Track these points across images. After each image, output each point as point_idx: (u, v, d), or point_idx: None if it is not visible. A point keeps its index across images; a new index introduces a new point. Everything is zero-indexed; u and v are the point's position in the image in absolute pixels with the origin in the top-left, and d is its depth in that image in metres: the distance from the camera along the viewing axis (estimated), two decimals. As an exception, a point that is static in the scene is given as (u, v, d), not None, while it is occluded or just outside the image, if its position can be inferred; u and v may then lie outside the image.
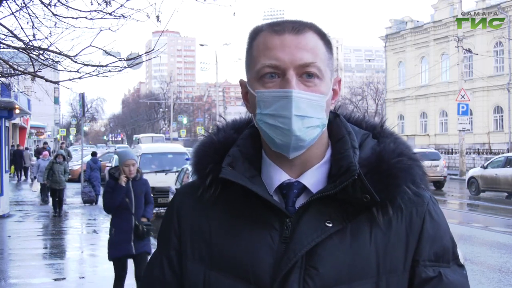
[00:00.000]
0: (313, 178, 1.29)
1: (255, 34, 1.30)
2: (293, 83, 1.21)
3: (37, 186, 19.70)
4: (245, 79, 1.34)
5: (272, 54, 1.23)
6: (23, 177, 29.37)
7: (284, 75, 1.22)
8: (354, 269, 1.22)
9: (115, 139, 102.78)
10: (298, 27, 1.25)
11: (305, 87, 1.22)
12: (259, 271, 1.23)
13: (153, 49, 7.24)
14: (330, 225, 1.23)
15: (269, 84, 1.24)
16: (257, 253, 1.24)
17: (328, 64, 1.27)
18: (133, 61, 7.51)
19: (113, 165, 24.46)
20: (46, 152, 20.31)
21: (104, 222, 14.42)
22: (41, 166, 18.12)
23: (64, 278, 8.79)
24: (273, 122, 1.23)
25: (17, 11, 7.16)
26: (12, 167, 26.59)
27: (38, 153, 25.06)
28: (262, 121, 1.25)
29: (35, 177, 18.49)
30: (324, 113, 1.26)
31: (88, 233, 13.31)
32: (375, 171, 1.24)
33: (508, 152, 30.87)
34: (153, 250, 3.87)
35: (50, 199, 16.80)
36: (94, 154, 20.28)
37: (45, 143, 28.17)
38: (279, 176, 1.29)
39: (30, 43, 7.21)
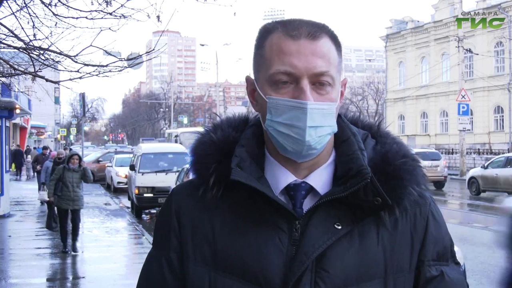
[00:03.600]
0: (320, 179, 1.28)
1: (267, 33, 1.27)
2: (308, 94, 1.20)
3: (44, 195, 14.62)
4: (252, 76, 1.32)
5: (287, 60, 1.21)
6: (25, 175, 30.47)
7: (298, 83, 1.21)
8: (363, 270, 1.23)
9: (117, 140, 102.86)
10: (314, 32, 1.23)
11: (317, 95, 1.22)
12: (269, 275, 1.21)
13: (153, 49, 7.25)
14: (340, 227, 1.23)
15: (282, 91, 1.22)
16: (266, 256, 1.22)
17: (339, 70, 1.27)
18: (133, 61, 7.52)
19: (113, 166, 24.71)
20: (55, 152, 17.79)
21: (104, 222, 14.45)
22: (50, 169, 14.15)
23: (64, 278, 8.79)
24: (285, 131, 1.22)
25: (17, 11, 7.17)
26: (13, 165, 28.23)
27: (36, 161, 20.31)
28: (273, 127, 1.24)
29: (43, 183, 14.00)
30: (334, 120, 1.26)
31: (88, 233, 13.30)
32: (381, 172, 1.25)
33: (508, 152, 30.82)
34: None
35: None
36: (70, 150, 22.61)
37: (45, 147, 22.40)
38: (285, 177, 1.28)
39: (31, 43, 7.22)
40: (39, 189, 17.98)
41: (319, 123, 1.21)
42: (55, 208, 10.62)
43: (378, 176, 1.24)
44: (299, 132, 1.21)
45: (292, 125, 1.21)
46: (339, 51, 1.28)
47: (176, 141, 33.34)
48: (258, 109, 1.30)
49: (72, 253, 10.19)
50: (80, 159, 10.63)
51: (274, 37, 1.25)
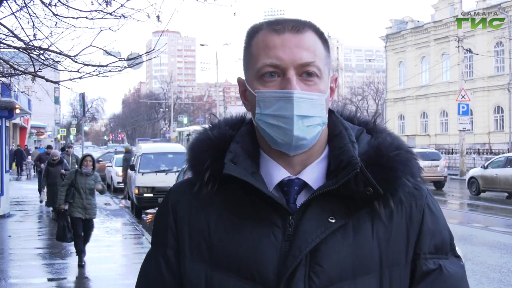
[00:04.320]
0: (313, 175, 1.29)
1: (254, 33, 1.30)
2: (294, 83, 1.21)
3: (44, 195, 15.14)
4: (243, 77, 1.34)
5: (272, 53, 1.23)
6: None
7: (284, 74, 1.23)
8: (358, 264, 1.22)
9: (117, 140, 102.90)
10: (298, 26, 1.26)
11: (305, 86, 1.23)
12: (264, 271, 1.22)
13: (153, 49, 7.25)
14: (333, 221, 1.23)
15: (269, 83, 1.24)
16: (261, 252, 1.23)
17: (326, 63, 1.29)
18: (133, 61, 7.52)
19: (113, 165, 24.67)
20: (56, 151, 17.21)
21: (104, 222, 14.43)
22: (53, 169, 13.95)
23: (64, 278, 8.78)
24: (274, 122, 1.23)
25: (17, 11, 7.17)
26: (14, 164, 29.19)
27: (39, 160, 19.84)
28: (262, 120, 1.25)
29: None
30: (324, 111, 1.26)
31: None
32: (375, 164, 1.25)
33: (508, 152, 30.82)
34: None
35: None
36: (63, 149, 22.30)
37: (49, 147, 21.32)
38: (279, 173, 1.28)
39: (31, 43, 7.22)
40: (41, 188, 17.73)
41: (307, 113, 1.22)
42: (69, 216, 9.36)
43: (371, 168, 1.24)
44: (287, 121, 1.21)
45: (280, 116, 1.22)
46: (326, 46, 1.29)
47: (188, 140, 32.95)
48: (249, 108, 1.31)
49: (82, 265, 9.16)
50: (94, 161, 9.44)
51: (260, 34, 1.28)
